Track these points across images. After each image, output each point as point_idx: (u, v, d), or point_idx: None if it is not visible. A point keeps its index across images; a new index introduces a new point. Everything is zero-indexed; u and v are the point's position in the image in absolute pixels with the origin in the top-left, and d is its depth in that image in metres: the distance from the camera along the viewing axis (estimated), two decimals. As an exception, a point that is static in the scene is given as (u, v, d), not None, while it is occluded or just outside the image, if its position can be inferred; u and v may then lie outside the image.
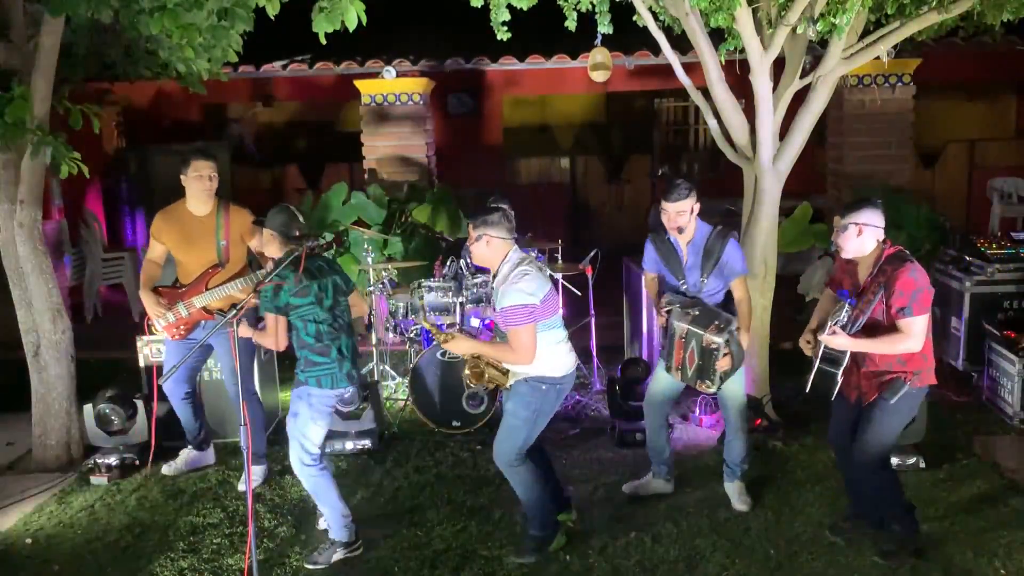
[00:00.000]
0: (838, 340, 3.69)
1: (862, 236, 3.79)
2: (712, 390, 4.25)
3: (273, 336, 4.04)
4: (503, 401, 4.22)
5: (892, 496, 3.99)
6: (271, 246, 4.11)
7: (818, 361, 3.82)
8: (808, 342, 3.95)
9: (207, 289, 4.74)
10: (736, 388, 4.45)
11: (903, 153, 8.26)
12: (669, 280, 4.46)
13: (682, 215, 4.27)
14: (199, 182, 4.75)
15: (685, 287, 4.39)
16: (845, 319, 3.71)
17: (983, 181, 9.35)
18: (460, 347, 3.99)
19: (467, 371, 3.98)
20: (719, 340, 4.06)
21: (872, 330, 3.77)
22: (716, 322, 4.11)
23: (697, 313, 4.20)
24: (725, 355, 4.10)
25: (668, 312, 4.29)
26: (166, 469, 5.14)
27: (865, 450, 3.89)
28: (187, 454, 5.21)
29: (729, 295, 4.44)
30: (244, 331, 4.08)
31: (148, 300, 4.75)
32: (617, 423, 5.43)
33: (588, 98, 12.44)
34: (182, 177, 4.77)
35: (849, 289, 3.88)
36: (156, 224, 4.85)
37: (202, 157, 4.79)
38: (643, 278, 4.76)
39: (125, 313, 8.35)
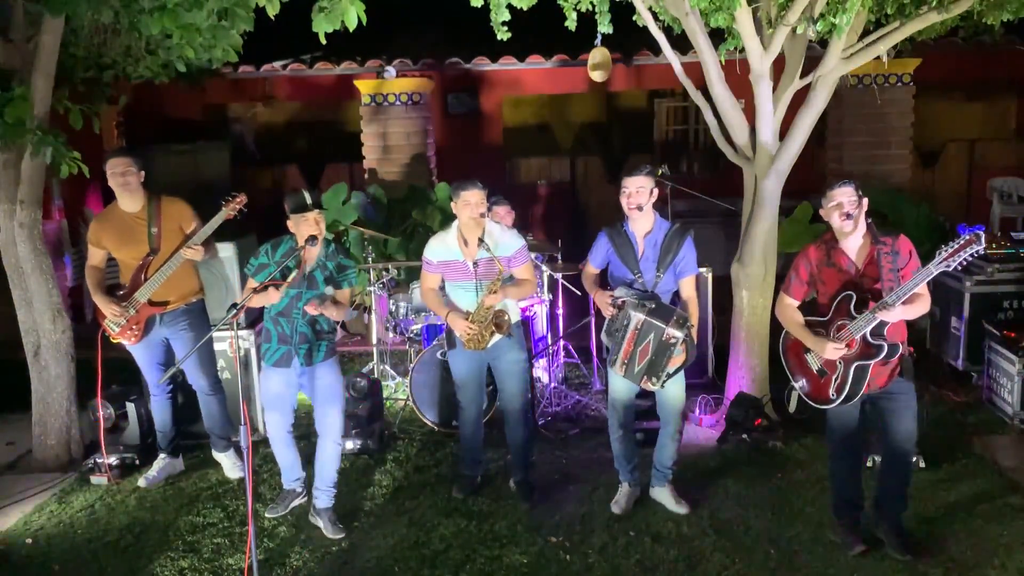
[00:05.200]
0: (895, 311, 3.64)
1: (864, 208, 3.83)
2: (657, 387, 4.21)
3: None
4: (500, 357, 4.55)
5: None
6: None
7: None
8: (837, 348, 3.79)
9: (146, 280, 4.70)
10: (678, 390, 4.39)
11: (903, 153, 8.27)
12: (620, 273, 4.39)
13: (641, 192, 4.26)
14: (113, 179, 4.66)
15: (641, 282, 4.33)
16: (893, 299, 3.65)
17: (983, 181, 9.36)
18: (503, 296, 4.37)
19: (491, 325, 4.40)
20: (679, 335, 4.06)
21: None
22: (675, 317, 4.11)
23: (654, 306, 4.17)
24: (680, 352, 4.11)
25: (622, 304, 4.24)
26: (143, 482, 5.02)
27: (910, 438, 3.93)
28: (161, 463, 5.12)
29: (676, 295, 4.42)
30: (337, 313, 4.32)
31: (103, 301, 4.71)
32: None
33: (588, 98, 12.43)
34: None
35: (845, 277, 3.86)
36: (92, 229, 4.79)
37: (114, 155, 4.69)
38: (584, 271, 4.58)
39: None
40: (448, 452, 5.38)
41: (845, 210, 3.77)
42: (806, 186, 8.29)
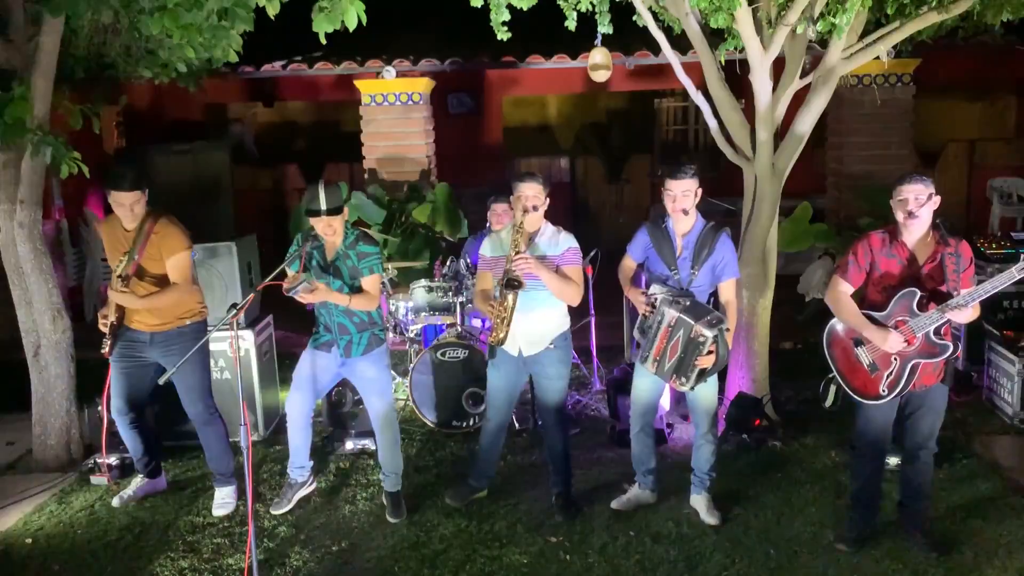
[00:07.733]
0: (967, 312, 3.61)
1: (933, 206, 3.73)
2: (686, 388, 4.15)
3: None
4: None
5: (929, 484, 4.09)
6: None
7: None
8: (901, 342, 3.72)
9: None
10: (709, 392, 4.33)
11: (903, 153, 8.27)
12: (657, 269, 4.35)
13: (687, 196, 4.17)
14: (118, 209, 4.36)
15: (677, 278, 4.28)
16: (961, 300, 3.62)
17: (983, 181, 9.36)
18: (533, 267, 4.15)
19: (505, 299, 4.19)
20: (709, 334, 3.99)
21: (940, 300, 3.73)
22: (708, 316, 4.04)
23: (689, 304, 4.12)
24: (710, 352, 4.03)
25: (655, 300, 4.20)
26: (116, 502, 4.76)
27: (932, 436, 3.92)
28: (139, 481, 4.85)
29: (713, 296, 4.37)
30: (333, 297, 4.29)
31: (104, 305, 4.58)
32: (617, 423, 5.43)
33: (588, 98, 12.43)
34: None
35: (905, 272, 3.79)
36: (102, 230, 4.61)
37: (119, 186, 4.31)
38: (622, 264, 4.51)
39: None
40: (448, 452, 5.38)
41: (909, 208, 3.70)
42: (806, 186, 8.32)
